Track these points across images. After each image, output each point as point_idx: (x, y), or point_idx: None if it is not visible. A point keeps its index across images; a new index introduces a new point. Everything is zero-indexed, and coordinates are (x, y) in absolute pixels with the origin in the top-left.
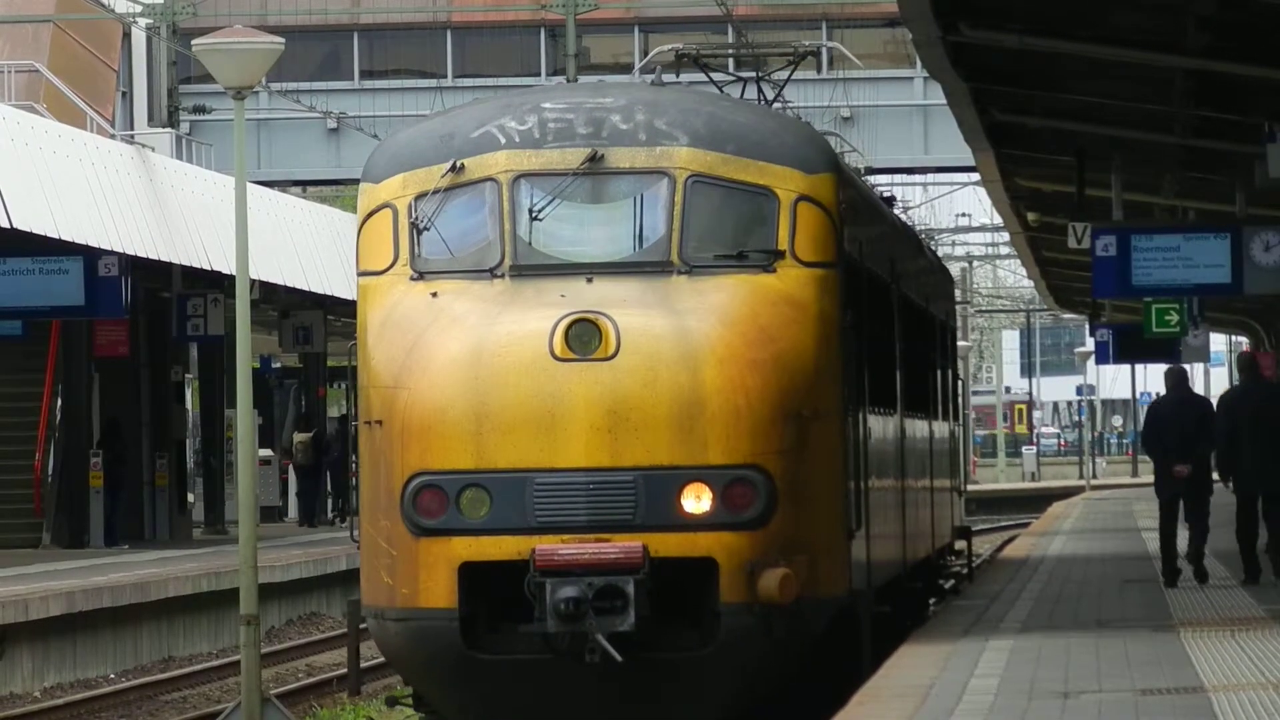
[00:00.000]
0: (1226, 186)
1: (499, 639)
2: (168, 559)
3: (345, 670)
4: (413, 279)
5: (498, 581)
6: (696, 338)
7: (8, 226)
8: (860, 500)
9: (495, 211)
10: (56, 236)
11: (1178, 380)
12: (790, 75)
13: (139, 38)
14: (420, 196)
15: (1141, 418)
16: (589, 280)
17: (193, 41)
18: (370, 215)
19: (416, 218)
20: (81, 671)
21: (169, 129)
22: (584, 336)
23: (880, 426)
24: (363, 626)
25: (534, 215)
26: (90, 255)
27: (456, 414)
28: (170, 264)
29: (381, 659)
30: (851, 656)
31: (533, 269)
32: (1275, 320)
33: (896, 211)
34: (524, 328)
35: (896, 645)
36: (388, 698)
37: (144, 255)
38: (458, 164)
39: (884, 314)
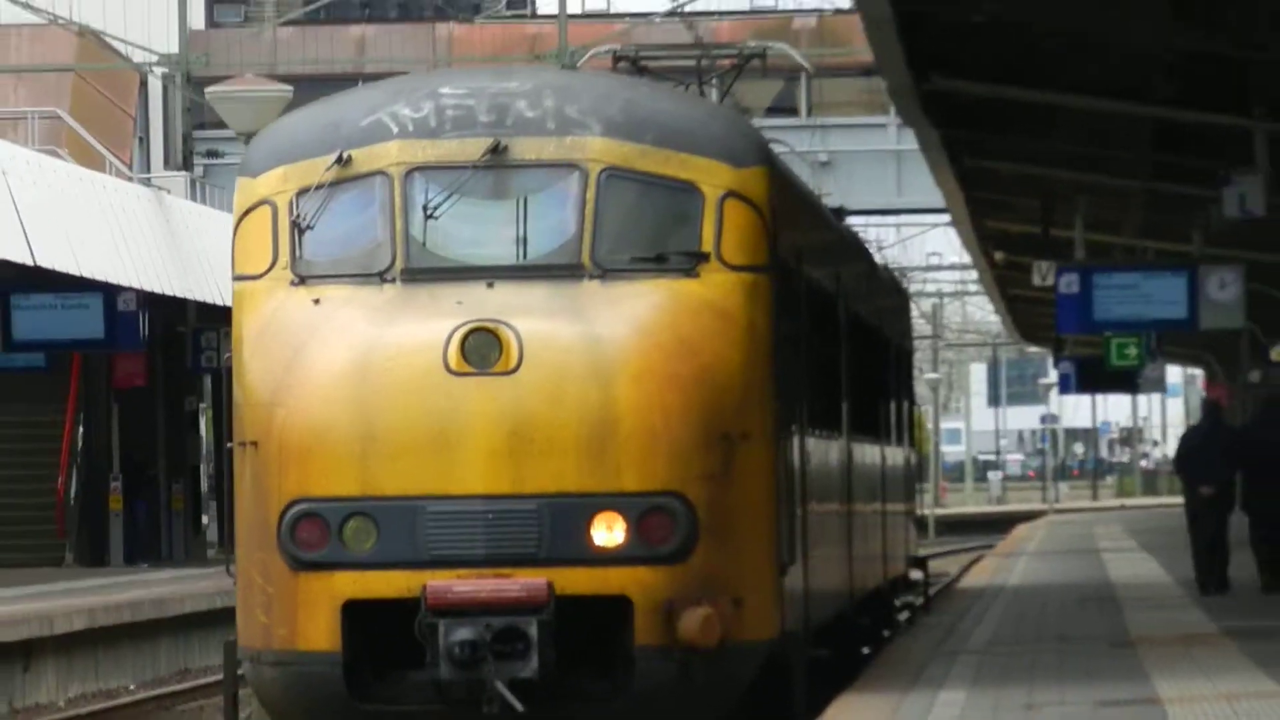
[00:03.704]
0: (1184, 226)
1: (386, 686)
2: (184, 577)
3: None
4: (293, 284)
5: (385, 622)
6: (609, 350)
7: (32, 264)
8: (796, 531)
9: (386, 208)
10: (78, 274)
11: (1210, 411)
12: (735, 78)
13: (155, 86)
14: (302, 192)
15: (1100, 445)
16: (489, 285)
17: (206, 89)
18: (247, 213)
19: (298, 215)
20: (103, 683)
21: (184, 172)
22: (482, 348)
23: (822, 451)
24: (242, 672)
25: (429, 213)
26: (110, 291)
27: (339, 434)
28: (185, 299)
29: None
30: (785, 705)
31: (427, 273)
32: (1227, 354)
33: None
34: (415, 338)
35: (838, 690)
36: None
37: (160, 291)
38: (344, 155)
39: (828, 329)
